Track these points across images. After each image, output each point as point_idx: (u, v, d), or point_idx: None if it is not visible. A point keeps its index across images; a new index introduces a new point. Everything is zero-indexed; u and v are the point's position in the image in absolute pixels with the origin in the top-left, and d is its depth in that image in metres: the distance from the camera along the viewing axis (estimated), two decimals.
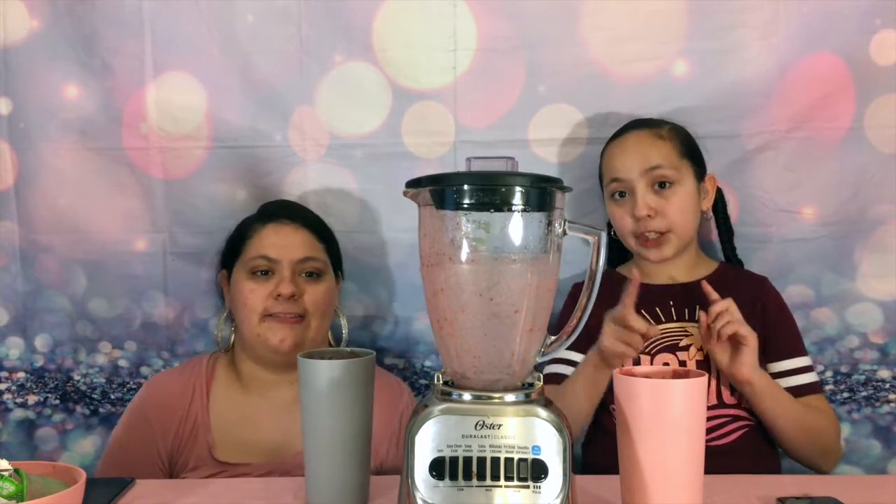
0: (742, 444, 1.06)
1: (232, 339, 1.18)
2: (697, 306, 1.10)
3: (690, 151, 1.14)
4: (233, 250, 1.17)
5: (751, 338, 1.01)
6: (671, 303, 1.13)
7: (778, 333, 1.11)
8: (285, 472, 1.01)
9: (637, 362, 1.11)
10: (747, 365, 1.01)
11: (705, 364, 1.08)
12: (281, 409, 1.11)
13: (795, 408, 1.06)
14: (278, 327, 1.09)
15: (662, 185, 1.11)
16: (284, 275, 1.10)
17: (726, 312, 1.01)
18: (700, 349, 1.10)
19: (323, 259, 1.15)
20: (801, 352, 1.12)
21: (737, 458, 1.02)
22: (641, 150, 1.12)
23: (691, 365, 1.08)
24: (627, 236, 1.14)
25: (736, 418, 1.08)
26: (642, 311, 1.13)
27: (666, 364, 1.09)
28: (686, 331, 1.11)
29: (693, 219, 1.13)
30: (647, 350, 1.12)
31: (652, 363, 1.10)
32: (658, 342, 1.12)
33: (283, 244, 1.12)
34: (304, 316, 1.11)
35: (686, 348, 1.10)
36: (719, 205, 1.20)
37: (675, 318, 1.12)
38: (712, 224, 1.23)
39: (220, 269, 1.21)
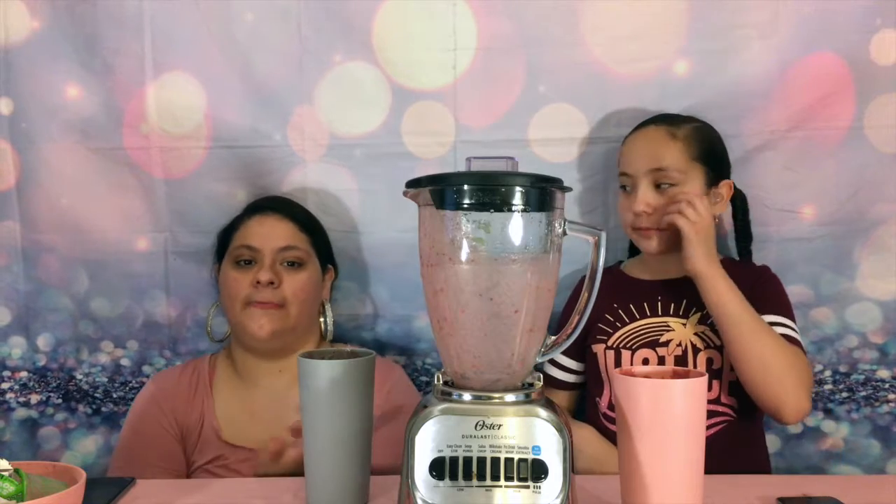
0: (720, 440, 1.06)
1: (228, 331, 1.21)
2: (684, 301, 1.11)
3: (705, 155, 1.12)
4: (222, 244, 1.20)
5: (688, 228, 1.03)
6: (659, 297, 1.14)
7: (762, 294, 1.08)
8: (288, 462, 1.01)
9: (618, 358, 1.12)
10: (690, 258, 1.03)
11: (683, 359, 1.09)
12: (275, 398, 1.14)
13: (749, 317, 1.00)
14: (258, 314, 1.12)
15: (666, 184, 1.11)
16: (265, 263, 1.13)
17: (677, 203, 1.05)
18: (679, 344, 1.10)
19: (305, 249, 1.17)
20: (782, 314, 1.07)
21: (715, 453, 1.01)
22: (650, 149, 1.12)
23: (669, 360, 1.09)
24: (627, 227, 1.16)
25: (712, 413, 1.07)
26: (630, 306, 1.14)
27: (645, 360, 1.10)
28: (668, 325, 1.12)
29: None
30: (627, 345, 1.12)
31: (632, 358, 1.11)
32: (639, 338, 1.12)
33: (265, 234, 1.15)
34: (284, 305, 1.13)
35: (665, 344, 1.11)
36: (739, 211, 1.19)
37: (659, 312, 1.13)
38: (721, 224, 1.22)
39: (214, 263, 1.23)
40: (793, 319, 1.10)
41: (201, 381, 1.17)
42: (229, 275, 1.15)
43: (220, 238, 1.22)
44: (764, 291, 1.10)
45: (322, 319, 1.21)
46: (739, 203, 1.19)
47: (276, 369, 1.16)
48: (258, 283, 1.12)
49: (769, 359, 1.00)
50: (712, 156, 1.14)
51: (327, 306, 1.22)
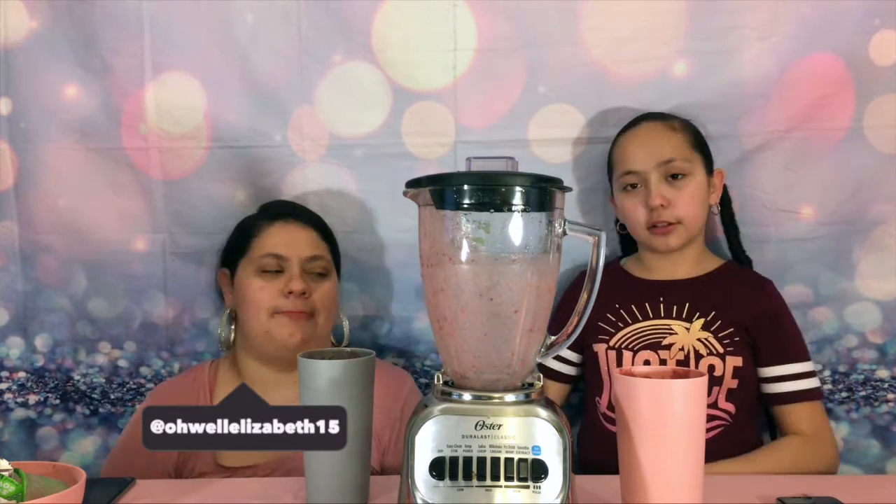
0: (717, 444, 1.06)
1: (233, 339, 1.17)
2: (687, 304, 1.12)
3: (701, 144, 1.16)
4: (236, 249, 1.16)
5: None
6: (661, 299, 1.14)
7: (775, 338, 1.11)
8: (289, 471, 1.01)
9: (620, 359, 1.12)
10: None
11: (685, 363, 1.09)
12: None
13: (768, 466, 1.05)
14: (287, 322, 1.10)
15: (675, 176, 1.12)
16: (294, 272, 1.11)
17: None
18: (682, 348, 1.10)
19: (328, 258, 1.16)
20: (801, 357, 1.12)
21: (711, 456, 1.01)
22: (655, 142, 1.13)
23: (671, 364, 1.09)
24: (639, 227, 1.15)
25: (709, 417, 1.08)
26: (632, 307, 1.14)
27: (647, 361, 1.10)
28: (671, 329, 1.12)
29: (702, 210, 1.14)
30: (629, 346, 1.12)
31: (634, 359, 1.11)
32: (642, 338, 1.12)
33: (291, 242, 1.13)
34: (313, 314, 1.12)
35: (668, 347, 1.11)
36: (725, 202, 1.21)
37: (662, 314, 1.13)
38: (718, 222, 1.23)
39: (220, 268, 1.20)
40: (806, 350, 1.13)
41: (202, 393, 1.13)
42: (254, 283, 1.11)
43: (231, 243, 1.18)
44: (781, 337, 1.12)
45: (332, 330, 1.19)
46: (724, 194, 1.20)
47: (291, 381, 1.10)
48: (290, 293, 1.09)
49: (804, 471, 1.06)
50: (705, 145, 1.16)
51: (343, 314, 1.20)
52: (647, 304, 1.14)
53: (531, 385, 0.74)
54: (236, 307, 1.16)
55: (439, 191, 0.71)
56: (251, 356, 1.15)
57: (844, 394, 1.24)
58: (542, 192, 0.71)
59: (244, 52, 1.25)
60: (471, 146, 1.24)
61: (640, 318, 1.14)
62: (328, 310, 1.14)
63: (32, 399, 1.33)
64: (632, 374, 0.74)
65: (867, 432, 1.25)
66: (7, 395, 1.33)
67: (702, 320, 1.11)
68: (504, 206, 0.70)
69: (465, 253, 0.71)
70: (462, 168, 0.73)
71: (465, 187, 0.70)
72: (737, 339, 1.10)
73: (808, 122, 1.20)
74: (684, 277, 1.16)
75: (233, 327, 1.17)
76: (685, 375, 0.74)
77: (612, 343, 1.14)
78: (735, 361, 1.09)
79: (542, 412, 0.70)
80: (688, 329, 1.11)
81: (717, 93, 1.20)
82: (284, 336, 1.09)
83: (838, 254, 1.22)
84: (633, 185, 1.14)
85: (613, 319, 1.15)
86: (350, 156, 1.27)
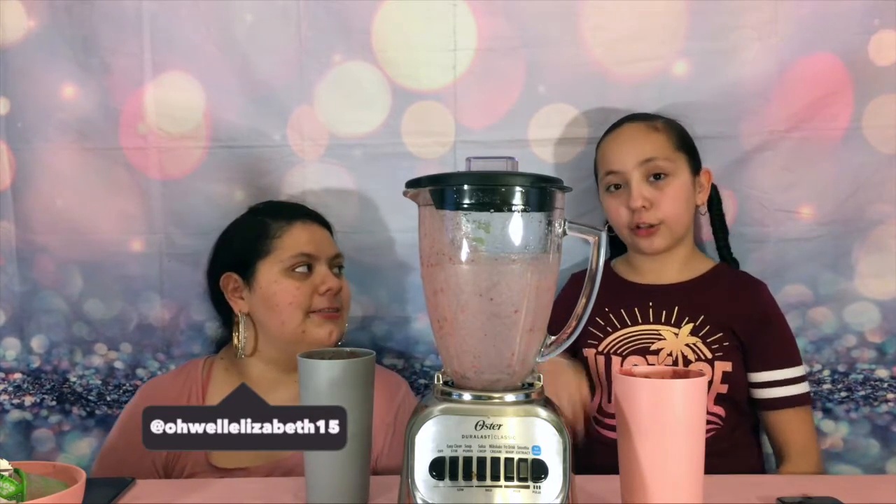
0: (709, 447, 1.03)
1: (238, 340, 1.13)
2: (676, 308, 1.11)
3: (685, 145, 1.15)
4: (249, 251, 1.12)
5: None
6: (650, 304, 1.13)
7: (770, 343, 1.10)
8: (284, 474, 1.01)
9: (608, 363, 1.12)
10: None
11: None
12: None
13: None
14: (323, 322, 1.10)
15: (657, 176, 1.11)
16: (325, 271, 1.12)
17: None
18: (670, 354, 1.09)
19: (342, 255, 1.18)
20: (794, 362, 1.11)
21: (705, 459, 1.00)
22: (636, 142, 1.12)
23: None
24: (622, 228, 1.15)
25: None
26: (621, 311, 1.14)
27: (635, 366, 1.09)
28: (660, 334, 1.11)
29: (686, 211, 1.13)
30: (618, 351, 1.12)
31: (622, 364, 1.11)
32: (629, 344, 1.12)
33: (317, 241, 1.14)
34: (340, 310, 1.13)
35: (656, 352, 1.10)
36: (714, 202, 1.20)
37: (651, 319, 1.12)
38: (707, 224, 1.23)
39: (224, 274, 1.14)
40: (798, 354, 1.12)
41: (194, 391, 1.11)
42: (288, 284, 1.09)
43: (242, 246, 1.13)
44: (770, 341, 1.10)
45: None
46: (713, 194, 1.20)
47: (293, 380, 1.07)
48: (327, 290, 1.10)
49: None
50: (690, 145, 1.16)
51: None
52: (636, 309, 1.13)
53: (531, 385, 0.74)
54: (254, 311, 1.12)
55: (439, 191, 0.71)
56: (258, 357, 1.13)
57: (844, 393, 1.24)
58: (542, 192, 0.71)
59: (243, 51, 1.25)
60: (471, 146, 1.24)
61: (629, 323, 1.13)
62: (349, 306, 1.16)
63: (28, 400, 1.33)
64: (632, 374, 0.74)
65: (867, 432, 1.25)
66: (3, 397, 1.32)
67: (690, 325, 1.10)
68: (504, 206, 0.70)
69: (465, 253, 0.71)
70: (462, 168, 0.73)
71: (465, 187, 0.70)
72: (726, 343, 1.08)
73: (808, 122, 1.20)
74: (674, 281, 1.15)
75: (235, 332, 1.14)
76: (685, 375, 0.74)
77: (600, 348, 1.13)
78: (724, 366, 1.08)
79: (542, 412, 0.70)
80: (676, 334, 1.10)
81: (717, 93, 1.21)
82: (323, 336, 1.09)
83: (837, 254, 1.22)
84: (617, 186, 1.14)
85: (602, 324, 1.14)
86: (349, 156, 1.27)
